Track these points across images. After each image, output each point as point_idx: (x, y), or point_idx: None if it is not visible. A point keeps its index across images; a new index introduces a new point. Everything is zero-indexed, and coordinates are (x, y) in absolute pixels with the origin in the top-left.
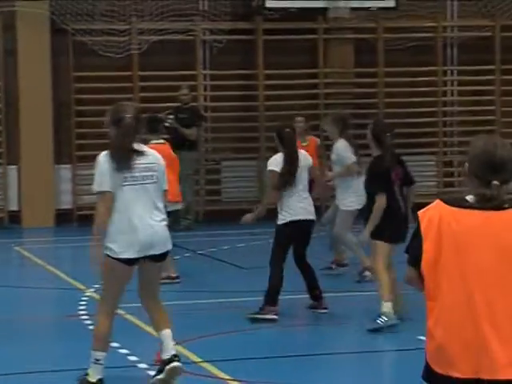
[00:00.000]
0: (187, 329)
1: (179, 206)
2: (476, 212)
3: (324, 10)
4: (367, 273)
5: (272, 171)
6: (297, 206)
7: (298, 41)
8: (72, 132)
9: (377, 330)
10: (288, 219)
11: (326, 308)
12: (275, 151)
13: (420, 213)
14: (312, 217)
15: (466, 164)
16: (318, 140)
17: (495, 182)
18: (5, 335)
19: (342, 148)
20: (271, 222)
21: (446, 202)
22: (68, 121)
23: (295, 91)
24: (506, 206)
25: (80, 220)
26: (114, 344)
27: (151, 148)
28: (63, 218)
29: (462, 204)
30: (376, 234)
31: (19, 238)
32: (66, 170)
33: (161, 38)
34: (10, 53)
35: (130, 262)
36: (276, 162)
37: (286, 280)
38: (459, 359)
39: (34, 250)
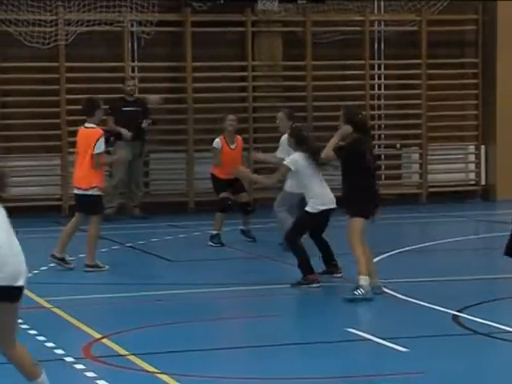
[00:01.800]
0: (114, 322)
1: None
2: None
3: (252, 2)
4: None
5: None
6: (324, 195)
7: (227, 33)
8: None
9: (353, 301)
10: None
11: (340, 273)
12: (204, 143)
13: None
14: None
15: None
16: (242, 140)
17: None
18: None
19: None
20: (196, 216)
21: None
22: None
23: (224, 84)
24: None
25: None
26: (40, 337)
27: (82, 131)
28: None
29: None
30: (354, 212)
31: None
32: None
33: (88, 29)
34: None
35: None
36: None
37: (212, 275)
38: None
39: None
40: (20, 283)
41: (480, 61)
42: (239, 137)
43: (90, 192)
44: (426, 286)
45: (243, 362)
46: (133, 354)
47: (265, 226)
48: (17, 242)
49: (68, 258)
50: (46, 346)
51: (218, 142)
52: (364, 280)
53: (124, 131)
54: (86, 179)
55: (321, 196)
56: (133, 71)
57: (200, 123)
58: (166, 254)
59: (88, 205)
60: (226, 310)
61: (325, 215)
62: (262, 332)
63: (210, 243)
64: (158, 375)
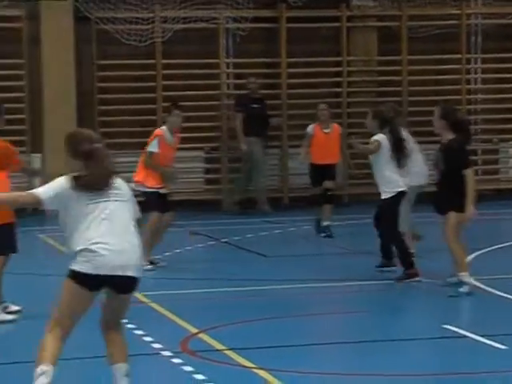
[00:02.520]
0: (211, 316)
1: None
2: None
3: None
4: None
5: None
6: (397, 178)
7: (322, 29)
8: (95, 120)
9: (456, 296)
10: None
11: (394, 266)
12: (298, 139)
13: None
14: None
15: None
16: (340, 128)
17: None
18: (30, 323)
19: None
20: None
21: None
22: (91, 109)
23: (318, 79)
24: None
25: None
26: (138, 331)
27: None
28: None
29: None
30: (451, 206)
31: (43, 226)
32: None
33: (184, 26)
34: (34, 41)
35: None
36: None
37: (308, 270)
38: None
39: (57, 237)
40: (117, 273)
41: None
42: (336, 124)
43: (140, 188)
44: None
45: (339, 358)
46: (230, 349)
47: (359, 221)
48: (121, 236)
49: (154, 259)
50: (144, 340)
51: (311, 127)
52: (466, 276)
53: (242, 145)
54: (139, 175)
55: (396, 179)
56: (228, 67)
57: (294, 119)
58: (261, 250)
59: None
60: (322, 306)
61: (400, 197)
62: (358, 328)
63: (322, 234)
64: (254, 370)
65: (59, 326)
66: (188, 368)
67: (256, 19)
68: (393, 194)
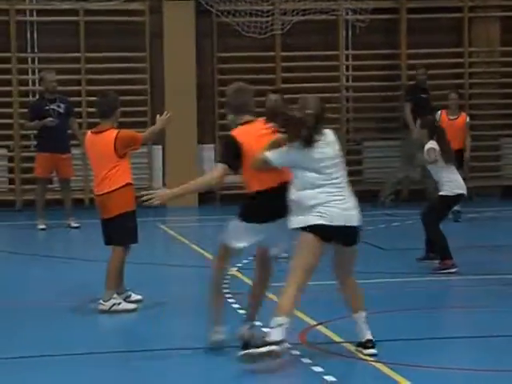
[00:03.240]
0: (328, 309)
1: None
2: None
3: None
4: None
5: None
6: (458, 180)
7: (443, 19)
8: (215, 112)
9: None
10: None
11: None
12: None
13: None
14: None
15: None
16: (467, 117)
17: None
18: (152, 312)
19: None
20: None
21: None
22: (211, 101)
23: (439, 71)
24: None
25: (223, 200)
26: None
27: None
28: (206, 198)
29: None
30: None
31: (164, 217)
32: (209, 150)
33: (303, 18)
34: (156, 35)
35: None
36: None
37: (426, 264)
38: None
39: (178, 228)
40: (345, 223)
41: None
42: (465, 114)
43: None
44: None
45: (464, 353)
46: (348, 342)
47: (480, 215)
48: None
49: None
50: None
51: (438, 113)
52: None
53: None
54: None
55: (456, 180)
56: (347, 59)
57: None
58: (379, 243)
59: None
60: (441, 300)
61: (458, 199)
62: (485, 323)
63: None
64: (372, 363)
65: (302, 276)
66: (306, 360)
67: (376, 10)
68: (452, 195)
